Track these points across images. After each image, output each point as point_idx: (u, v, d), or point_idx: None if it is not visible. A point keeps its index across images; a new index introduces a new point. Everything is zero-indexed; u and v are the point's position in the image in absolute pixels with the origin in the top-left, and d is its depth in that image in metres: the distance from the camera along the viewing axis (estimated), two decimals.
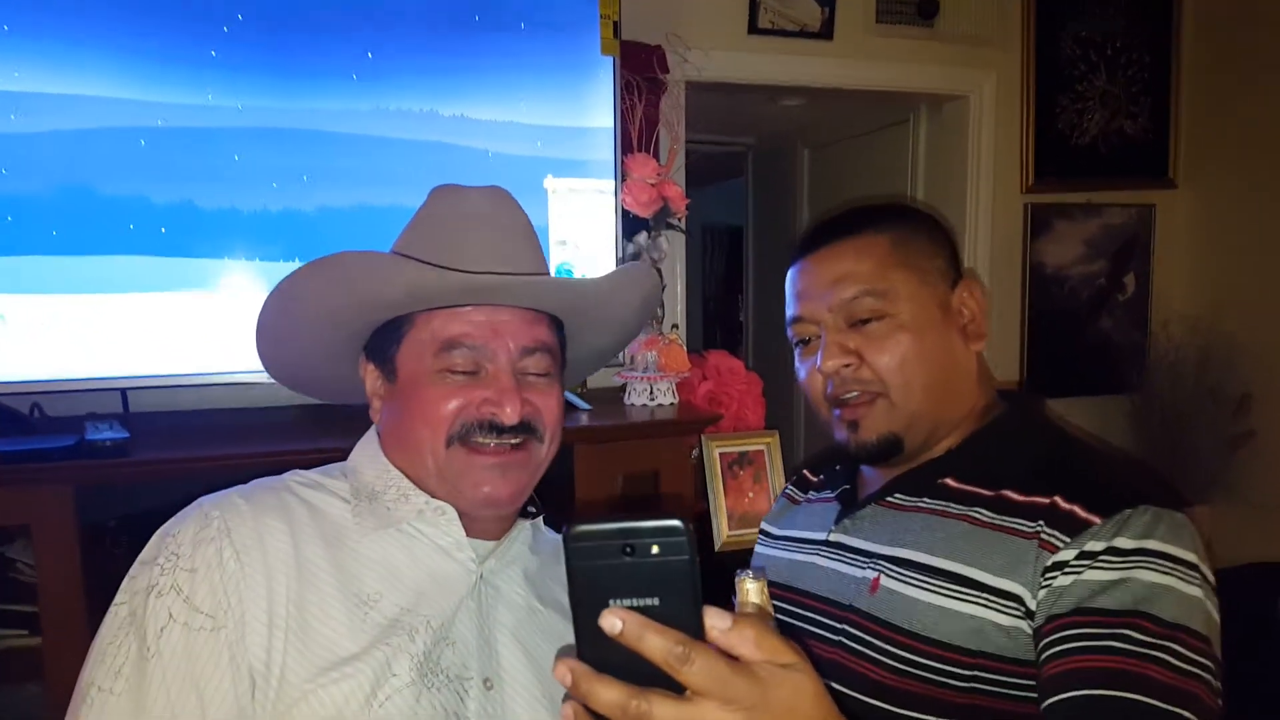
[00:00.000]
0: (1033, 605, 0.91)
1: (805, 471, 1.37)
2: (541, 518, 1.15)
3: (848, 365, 1.06)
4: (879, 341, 1.05)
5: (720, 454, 2.14)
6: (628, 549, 0.52)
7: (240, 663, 0.88)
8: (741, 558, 2.10)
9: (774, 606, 1.15)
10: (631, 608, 0.52)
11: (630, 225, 2.19)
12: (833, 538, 1.15)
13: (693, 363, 2.23)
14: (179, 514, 0.97)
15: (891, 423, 1.06)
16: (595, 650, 0.53)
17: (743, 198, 4.43)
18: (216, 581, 0.90)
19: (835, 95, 2.97)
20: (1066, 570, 0.90)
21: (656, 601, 0.53)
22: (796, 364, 1.16)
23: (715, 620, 0.53)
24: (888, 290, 1.06)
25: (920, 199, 3.23)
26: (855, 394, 1.07)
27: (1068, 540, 0.91)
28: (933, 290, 1.09)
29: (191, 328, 1.88)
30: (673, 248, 2.39)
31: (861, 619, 1.03)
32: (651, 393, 2.10)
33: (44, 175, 1.77)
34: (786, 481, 1.42)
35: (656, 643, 0.51)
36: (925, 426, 1.07)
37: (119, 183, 1.81)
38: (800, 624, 1.13)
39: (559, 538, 1.11)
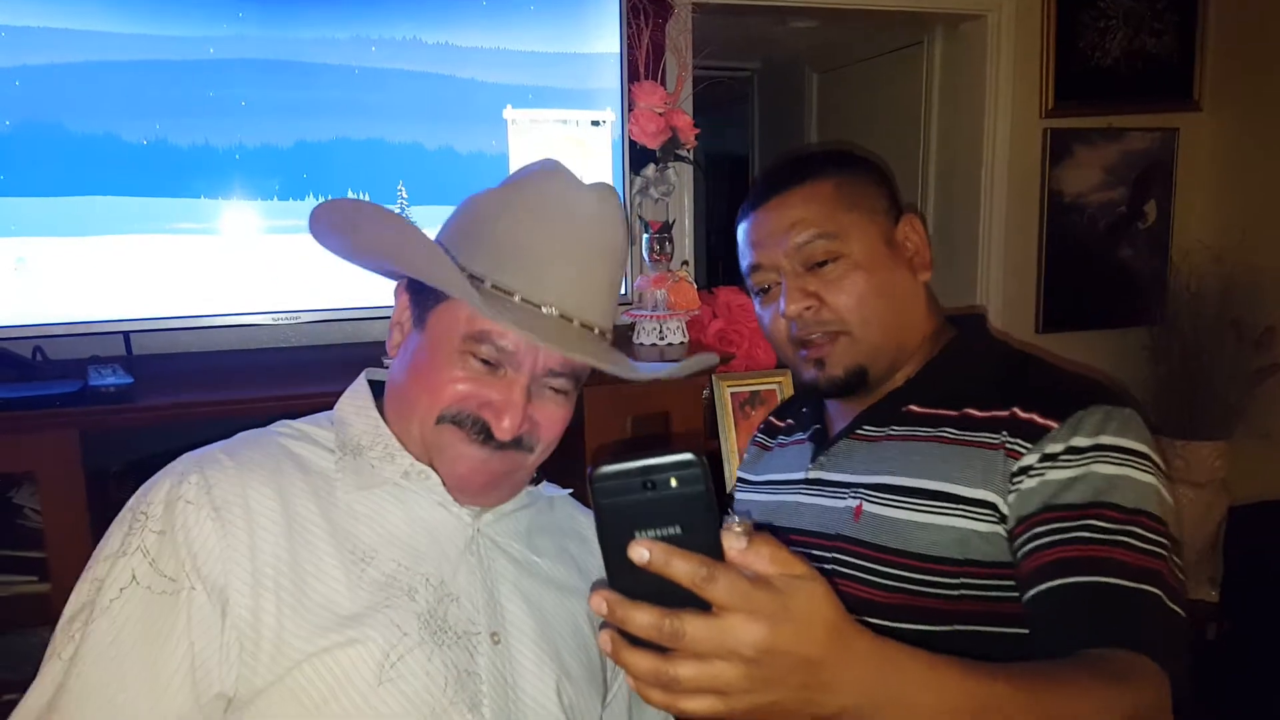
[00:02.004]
0: (1005, 510, 0.99)
1: (772, 418, 1.45)
2: (543, 483, 1.13)
3: (809, 308, 1.12)
4: (836, 282, 1.12)
5: (731, 394, 2.11)
6: (648, 484, 0.55)
7: (209, 627, 0.85)
8: None
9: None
10: (656, 538, 0.55)
11: (637, 156, 2.12)
12: (811, 475, 1.21)
13: (703, 300, 2.18)
14: (156, 474, 0.93)
15: (855, 356, 1.13)
16: (625, 580, 0.56)
17: (747, 125, 4.32)
18: (181, 542, 0.86)
19: (847, 15, 2.86)
20: (1031, 473, 0.98)
21: (678, 530, 0.56)
22: (758, 310, 1.22)
23: (732, 542, 0.57)
24: (838, 231, 1.12)
25: (935, 125, 3.14)
26: (818, 335, 1.13)
27: (1029, 446, 0.99)
28: (879, 228, 1.15)
29: (192, 269, 1.84)
30: (680, 180, 2.32)
31: (849, 545, 1.10)
32: (661, 332, 2.06)
33: (24, 111, 1.71)
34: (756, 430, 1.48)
35: (682, 566, 0.54)
36: (887, 356, 1.14)
37: (104, 120, 1.75)
38: None
39: (551, 494, 1.15)
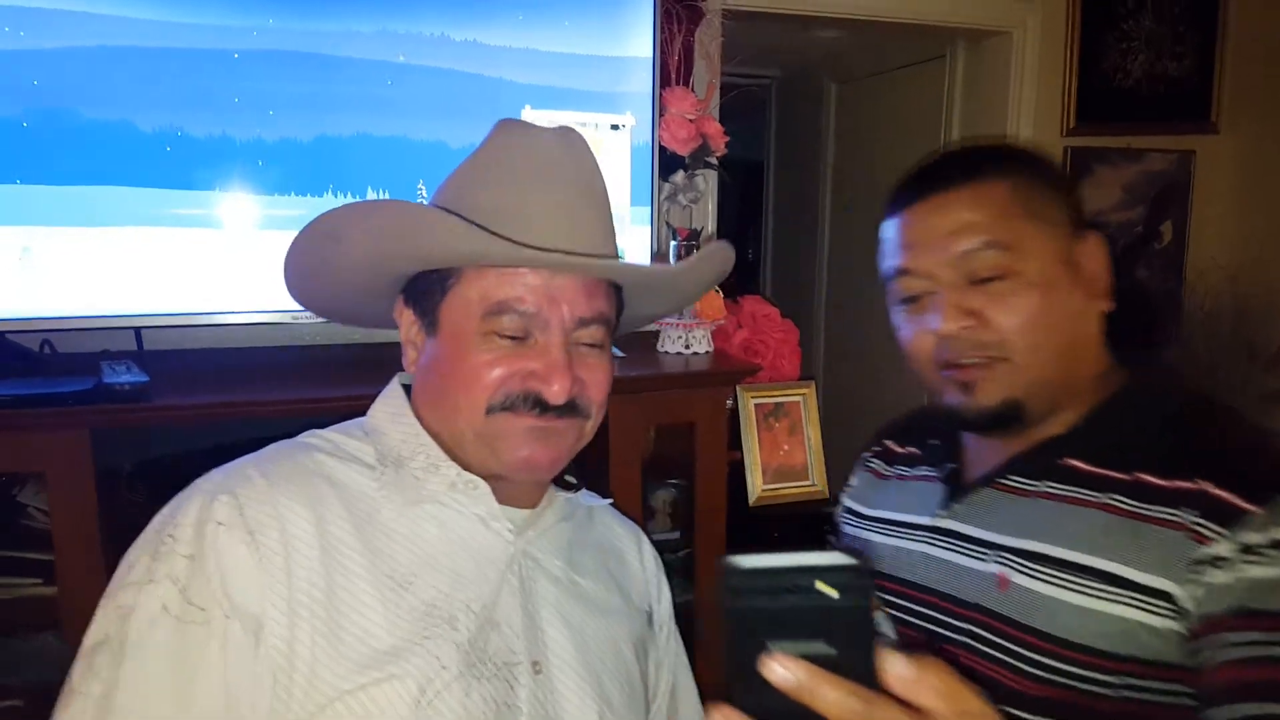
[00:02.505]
0: (1185, 604, 0.84)
1: (889, 443, 1.27)
2: (582, 491, 1.08)
3: (967, 327, 0.96)
4: (1003, 301, 0.95)
5: (755, 405, 2.07)
6: (793, 587, 0.48)
7: (242, 657, 0.79)
8: (777, 513, 2.05)
9: (890, 605, 1.08)
10: (798, 654, 0.48)
11: (667, 163, 2.08)
12: (942, 523, 1.06)
13: (727, 309, 2.15)
14: (183, 492, 0.87)
15: (1013, 386, 0.96)
16: (752, 695, 0.49)
17: (763, 133, 4.29)
18: (213, 569, 0.80)
19: (871, 26, 2.83)
20: (1222, 565, 0.82)
21: (825, 646, 0.48)
22: (897, 320, 1.06)
23: (896, 668, 0.49)
24: (1012, 243, 0.95)
25: (955, 139, 3.11)
26: (974, 358, 0.97)
27: (1223, 532, 0.83)
28: (1059, 244, 0.97)
29: (206, 264, 1.77)
30: (707, 187, 2.29)
31: (990, 619, 0.96)
32: (686, 340, 2.02)
33: (35, 96, 1.64)
34: (864, 450, 1.31)
35: (831, 696, 0.47)
36: (1049, 393, 0.97)
37: (119, 108, 1.69)
38: (913, 619, 1.06)
39: (591, 503, 1.10)
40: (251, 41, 1.74)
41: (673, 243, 2.09)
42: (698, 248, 2.07)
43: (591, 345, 0.93)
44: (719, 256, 1.04)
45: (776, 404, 2.10)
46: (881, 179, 3.50)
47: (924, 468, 1.16)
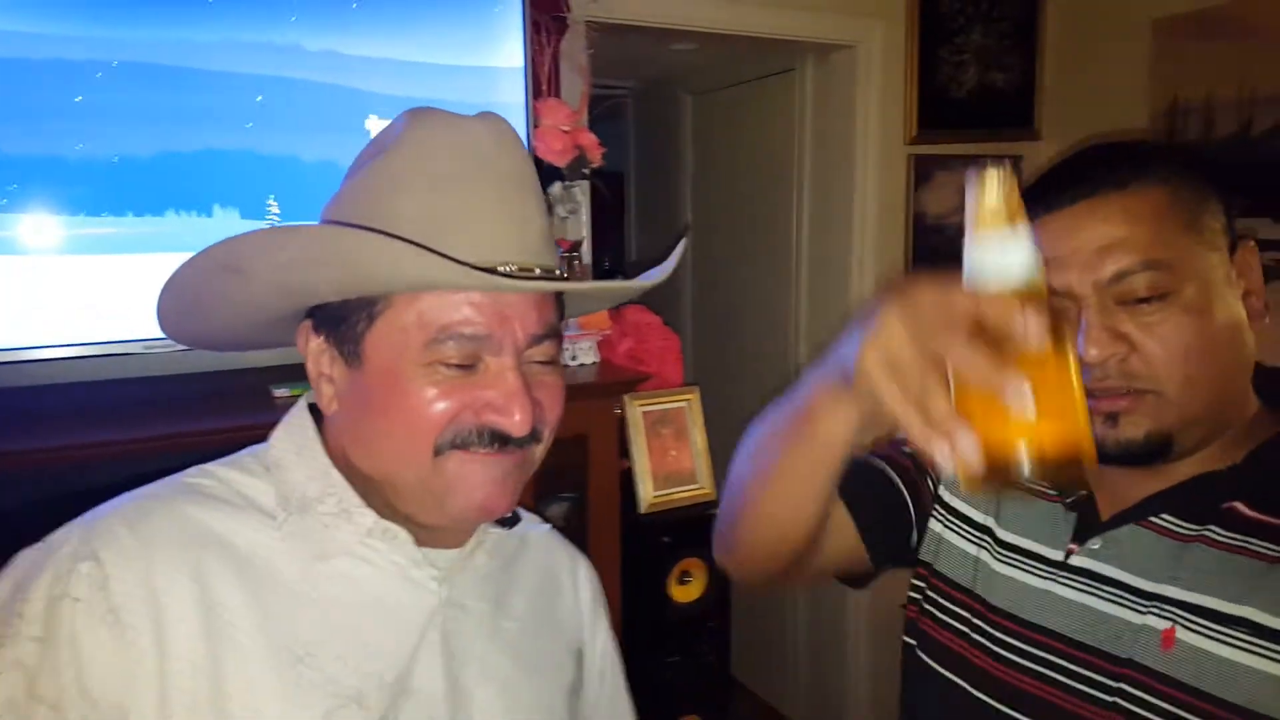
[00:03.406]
0: None
1: None
2: (521, 523, 0.97)
3: (1116, 355, 0.84)
4: (1157, 327, 0.84)
5: (643, 413, 2.09)
6: None
7: None
8: (669, 519, 2.08)
9: (992, 639, 0.97)
10: None
11: (543, 175, 2.07)
12: (1076, 561, 0.93)
13: (610, 319, 2.16)
14: (33, 550, 0.74)
15: (1163, 421, 0.85)
16: None
17: (623, 142, 4.34)
18: (67, 659, 0.68)
19: (725, 40, 2.91)
20: None
21: None
22: None
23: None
24: (1171, 261, 0.84)
25: (808, 150, 3.24)
26: (1119, 387, 0.85)
27: None
28: (1219, 258, 0.87)
29: (46, 293, 1.62)
30: (583, 199, 2.29)
31: (1151, 679, 0.84)
32: (573, 353, 2.02)
33: None
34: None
35: None
36: (1201, 429, 0.87)
37: None
38: (1036, 667, 0.93)
39: (528, 531, 0.99)
40: (88, 52, 1.61)
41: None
42: (578, 259, 2.07)
43: (544, 362, 0.83)
44: (676, 261, 0.98)
45: (663, 411, 2.13)
46: (738, 188, 3.61)
47: (1045, 483, 0.99)
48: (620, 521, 1.97)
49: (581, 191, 2.20)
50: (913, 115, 3.11)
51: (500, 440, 0.79)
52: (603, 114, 4.12)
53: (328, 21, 1.79)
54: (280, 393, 1.74)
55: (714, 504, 2.14)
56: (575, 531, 2.03)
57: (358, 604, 0.80)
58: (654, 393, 2.14)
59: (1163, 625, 0.84)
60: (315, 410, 0.88)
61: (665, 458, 2.10)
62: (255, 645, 0.74)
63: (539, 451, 0.85)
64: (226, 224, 1.72)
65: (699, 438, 2.14)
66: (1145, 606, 0.86)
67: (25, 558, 0.74)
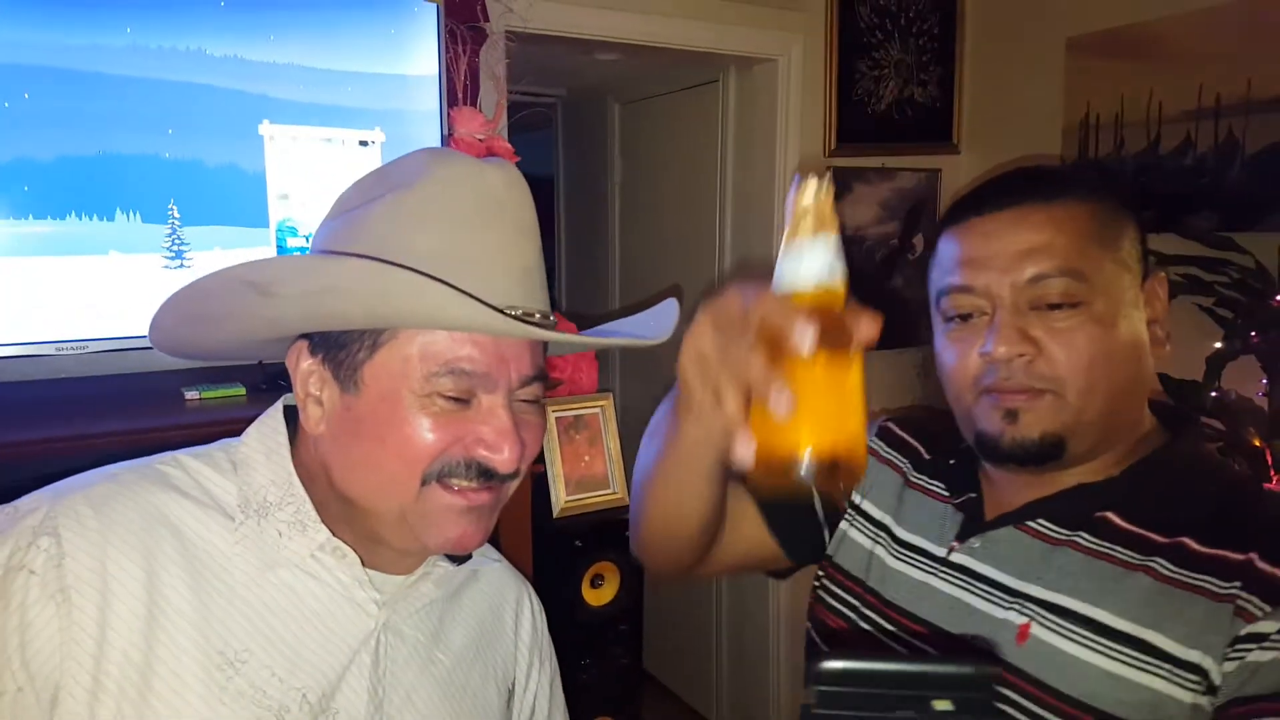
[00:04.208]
0: (1217, 679, 0.78)
1: (896, 427, 1.17)
2: (473, 558, 0.98)
3: (1023, 355, 0.89)
4: (1065, 334, 0.88)
5: (556, 418, 2.12)
6: (903, 701, 0.41)
7: None
8: (581, 524, 2.10)
9: (876, 627, 1.02)
10: None
11: None
12: (956, 558, 0.98)
13: None
14: (2, 516, 0.77)
15: (1059, 423, 0.89)
16: None
17: (551, 149, 4.37)
18: (14, 625, 0.72)
19: (649, 51, 2.96)
20: (1266, 645, 0.76)
21: None
22: (940, 340, 0.98)
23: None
24: (1086, 273, 0.88)
25: (730, 159, 3.30)
26: (1022, 388, 0.90)
27: (1268, 609, 0.78)
28: (1130, 280, 0.92)
29: None
30: None
31: (1005, 673, 0.88)
32: None
33: None
34: (888, 447, 1.18)
35: None
36: (1092, 437, 0.91)
37: None
38: None
39: (478, 565, 1.00)
40: None
41: None
42: None
43: (530, 402, 0.86)
44: (674, 310, 0.99)
45: (576, 416, 2.15)
46: (664, 196, 3.66)
47: (939, 484, 1.07)
48: (533, 524, 1.99)
49: None
50: (832, 128, 3.19)
51: (485, 475, 0.82)
52: (530, 122, 4.15)
53: (233, 27, 1.79)
54: (191, 395, 1.75)
55: (626, 509, 2.17)
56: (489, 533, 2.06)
57: (297, 616, 0.82)
58: (568, 399, 2.17)
59: (1020, 621, 0.89)
60: (291, 416, 0.90)
61: (579, 463, 2.13)
62: (190, 643, 0.77)
63: (513, 487, 0.88)
64: (128, 228, 1.71)
65: (613, 444, 2.17)
66: (1009, 603, 0.91)
67: None
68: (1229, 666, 0.78)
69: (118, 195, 1.71)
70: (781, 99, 3.06)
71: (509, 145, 2.17)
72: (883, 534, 1.09)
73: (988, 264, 0.91)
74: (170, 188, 1.74)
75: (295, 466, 0.86)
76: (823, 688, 0.41)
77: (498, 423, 0.81)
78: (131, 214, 1.71)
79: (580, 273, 4.29)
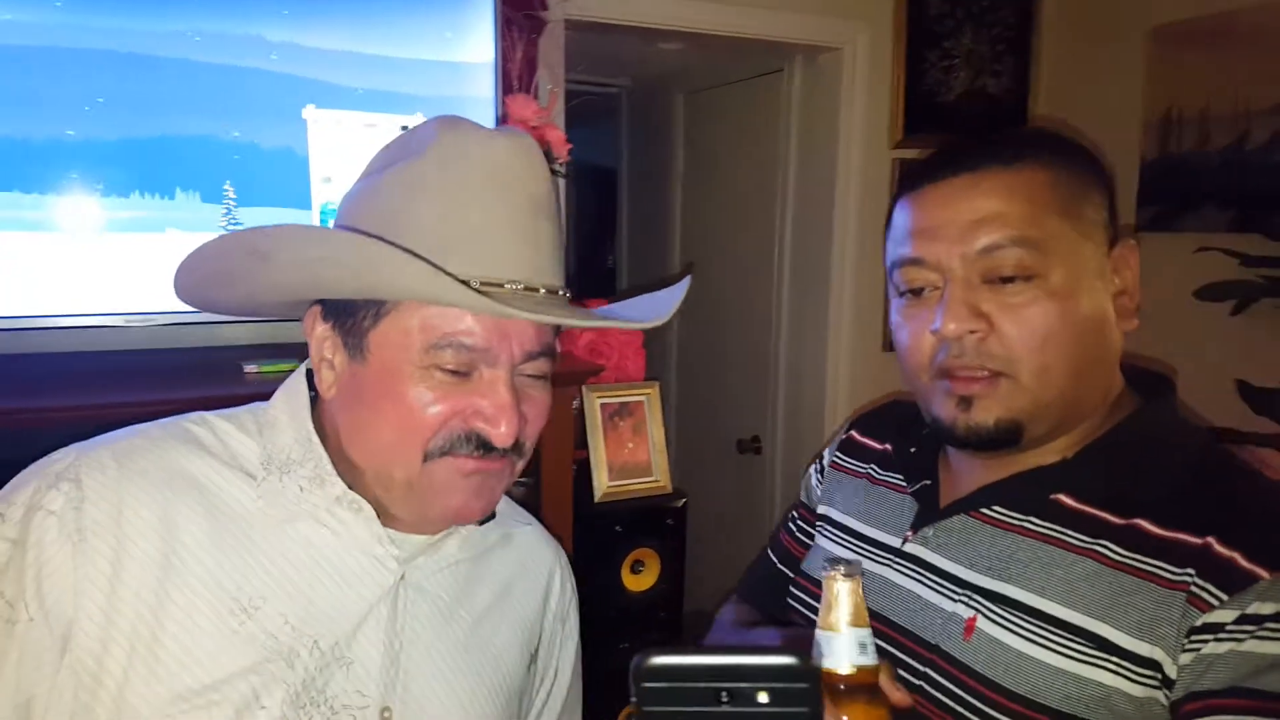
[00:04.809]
0: (1171, 672, 0.74)
1: (860, 436, 1.13)
2: (501, 516, 0.99)
3: (974, 332, 0.84)
4: (1019, 309, 0.83)
5: (601, 405, 2.13)
6: (725, 694, 0.42)
7: (41, 666, 0.74)
8: (623, 510, 2.11)
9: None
10: None
11: None
12: (909, 548, 0.95)
13: None
14: (35, 465, 0.81)
15: (1015, 408, 0.85)
16: None
17: (615, 140, 4.38)
18: (31, 561, 0.75)
19: (712, 40, 2.94)
20: (1221, 636, 0.72)
21: None
22: (894, 317, 0.94)
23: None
24: (1041, 242, 0.83)
25: (793, 150, 3.26)
26: (975, 369, 0.85)
27: (1224, 597, 0.73)
28: (1093, 250, 0.86)
29: (32, 268, 1.71)
30: None
31: (950, 666, 0.85)
32: None
33: None
34: (832, 444, 1.17)
35: None
36: (1052, 418, 0.86)
37: None
38: None
39: (509, 529, 1.00)
40: (54, 39, 1.67)
41: None
42: None
43: (535, 377, 0.86)
44: (681, 290, 0.95)
45: (621, 404, 2.16)
46: (726, 187, 3.63)
47: (897, 474, 1.03)
48: (575, 507, 2.01)
49: None
50: (898, 118, 3.12)
51: (485, 447, 0.82)
52: (593, 113, 4.17)
53: (294, 12, 1.84)
54: (250, 369, 1.82)
55: (669, 497, 2.17)
56: (530, 514, 2.08)
57: (313, 567, 0.83)
58: (613, 385, 2.18)
59: (967, 615, 0.85)
60: (313, 378, 0.92)
61: (622, 449, 2.14)
62: (204, 587, 0.79)
63: (519, 465, 0.88)
64: (187, 207, 1.78)
65: (656, 432, 2.17)
66: (958, 595, 0.88)
67: (26, 470, 0.81)
68: (1184, 659, 0.73)
69: (177, 175, 1.78)
70: (846, 89, 3.01)
71: (562, 133, 2.19)
72: (846, 535, 1.06)
73: (938, 234, 0.86)
74: (226, 169, 1.81)
75: (315, 428, 0.88)
76: (646, 684, 0.42)
77: (496, 397, 0.81)
78: (191, 193, 1.78)
79: (642, 265, 4.29)
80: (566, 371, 2.01)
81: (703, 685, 0.41)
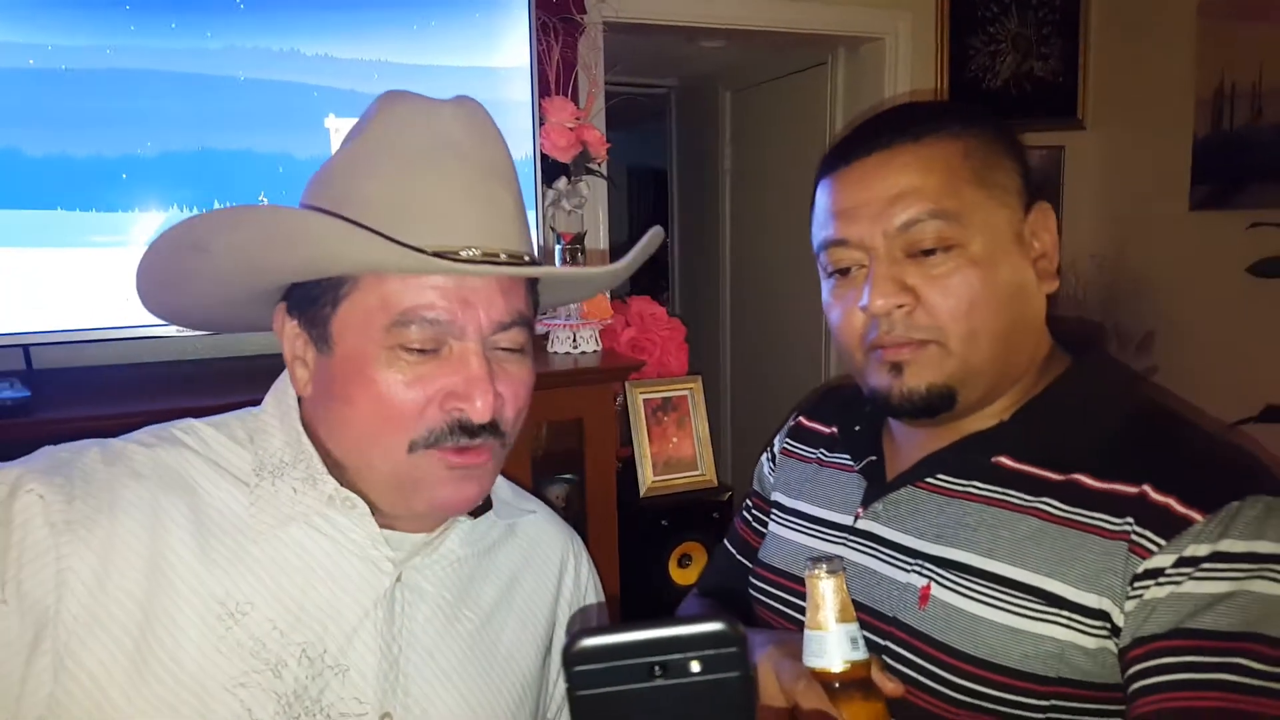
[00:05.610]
0: (1119, 620, 0.75)
1: (808, 421, 1.15)
2: (500, 506, 0.96)
3: (901, 306, 0.85)
4: (942, 280, 0.84)
5: (644, 400, 2.16)
6: (657, 668, 0.41)
7: (12, 655, 0.71)
8: (668, 504, 2.14)
9: (794, 606, 1.02)
10: None
11: (549, 170, 2.16)
12: (861, 525, 0.95)
13: (615, 309, 2.23)
14: (26, 457, 0.79)
15: (945, 372, 0.86)
16: None
17: (665, 141, 4.41)
18: (15, 541, 0.72)
19: (753, 36, 2.95)
20: (1161, 580, 0.73)
21: None
22: (826, 297, 0.95)
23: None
24: (959, 212, 0.84)
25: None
26: (904, 340, 0.87)
27: (1162, 543, 0.74)
28: (1009, 216, 0.87)
29: (90, 281, 1.79)
30: (594, 192, 2.37)
31: (909, 636, 0.85)
32: (575, 340, 2.10)
33: None
34: (779, 433, 1.19)
35: None
36: (984, 382, 0.87)
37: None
38: None
39: (512, 518, 0.97)
40: (94, 61, 1.75)
41: (557, 246, 2.17)
42: (581, 250, 2.15)
43: (511, 350, 0.82)
44: (651, 244, 0.94)
45: (665, 398, 2.19)
46: (774, 182, 3.63)
47: (844, 455, 1.04)
48: (621, 503, 2.04)
49: (589, 186, 2.28)
50: None
51: (468, 432, 0.79)
52: (644, 113, 4.20)
53: (328, 27, 1.90)
54: None
55: (714, 490, 2.19)
56: (575, 512, 2.12)
57: (305, 572, 0.80)
58: (656, 380, 2.21)
59: (921, 584, 0.86)
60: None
61: (666, 444, 2.17)
62: (191, 592, 0.76)
63: (504, 449, 0.84)
64: None
65: (700, 426, 2.19)
66: (910, 565, 0.88)
67: (16, 461, 0.79)
68: (1129, 606, 0.75)
69: (215, 188, 1.86)
70: (889, 78, 3.00)
71: (600, 134, 2.22)
72: (799, 519, 1.06)
73: (859, 214, 0.88)
74: (261, 180, 1.89)
75: (305, 428, 0.85)
76: (578, 668, 0.42)
77: (468, 371, 0.77)
78: (227, 205, 1.85)
79: (692, 263, 4.31)
80: (608, 368, 2.04)
81: (635, 661, 0.41)
